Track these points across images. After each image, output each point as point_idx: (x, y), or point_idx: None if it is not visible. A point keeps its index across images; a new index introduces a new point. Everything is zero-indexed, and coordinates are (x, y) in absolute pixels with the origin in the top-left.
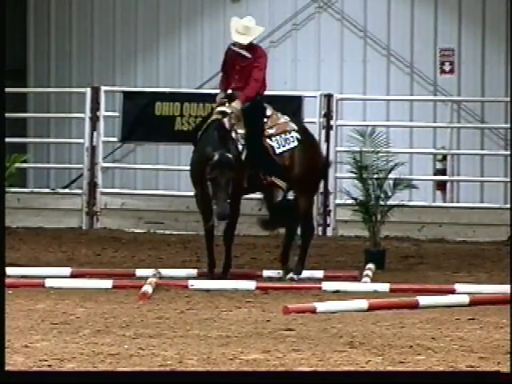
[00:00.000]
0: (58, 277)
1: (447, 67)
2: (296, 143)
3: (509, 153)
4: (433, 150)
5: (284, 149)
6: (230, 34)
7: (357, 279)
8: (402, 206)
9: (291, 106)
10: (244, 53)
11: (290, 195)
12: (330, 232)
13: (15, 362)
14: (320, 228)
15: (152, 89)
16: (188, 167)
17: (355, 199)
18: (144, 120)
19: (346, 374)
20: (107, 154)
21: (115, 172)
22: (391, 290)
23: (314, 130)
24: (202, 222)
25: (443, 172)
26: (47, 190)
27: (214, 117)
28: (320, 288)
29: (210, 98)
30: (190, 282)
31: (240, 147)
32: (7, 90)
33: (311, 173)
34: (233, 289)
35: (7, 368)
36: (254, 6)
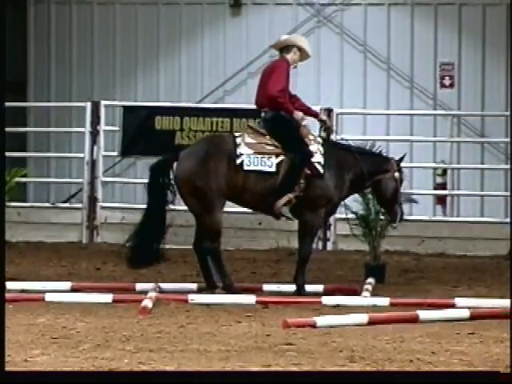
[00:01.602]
0: (58, 291)
1: (447, 81)
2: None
3: (509, 167)
4: (433, 164)
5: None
6: (305, 50)
7: (357, 293)
8: (403, 220)
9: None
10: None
11: None
12: (330, 246)
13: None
14: (320, 242)
15: (152, 103)
16: None
17: (355, 213)
18: (144, 134)
19: (346, 374)
20: (107, 168)
21: (115, 186)
22: (391, 304)
23: None
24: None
25: (443, 186)
26: (47, 204)
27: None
28: (320, 302)
29: (210, 112)
30: (190, 297)
31: None
32: (7, 104)
33: None
34: (233, 303)
35: None
36: (254, 20)
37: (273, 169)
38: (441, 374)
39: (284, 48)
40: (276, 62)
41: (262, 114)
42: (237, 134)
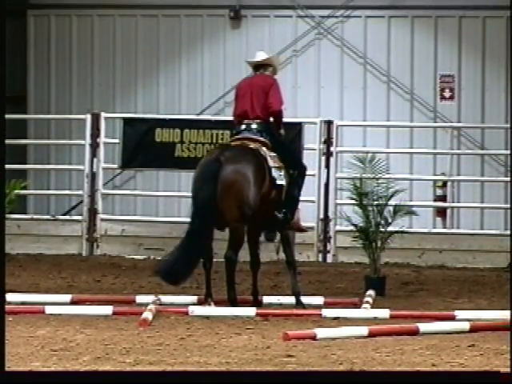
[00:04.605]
0: (57, 303)
1: (447, 93)
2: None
3: (509, 179)
4: (433, 177)
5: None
6: (276, 70)
7: (357, 306)
8: (402, 232)
9: (291, 132)
10: None
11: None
12: (330, 258)
13: None
14: (320, 254)
15: (152, 115)
16: (188, 193)
17: (355, 225)
18: (144, 146)
19: (346, 374)
20: (107, 181)
21: (115, 198)
22: (391, 317)
23: (314, 156)
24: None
25: (443, 198)
26: (47, 217)
27: None
28: (320, 314)
29: (210, 124)
30: (190, 309)
31: None
32: (7, 116)
33: None
34: (233, 315)
35: None
36: (254, 32)
37: (284, 182)
38: (441, 374)
39: (262, 66)
40: (266, 78)
41: (254, 126)
42: (252, 146)
